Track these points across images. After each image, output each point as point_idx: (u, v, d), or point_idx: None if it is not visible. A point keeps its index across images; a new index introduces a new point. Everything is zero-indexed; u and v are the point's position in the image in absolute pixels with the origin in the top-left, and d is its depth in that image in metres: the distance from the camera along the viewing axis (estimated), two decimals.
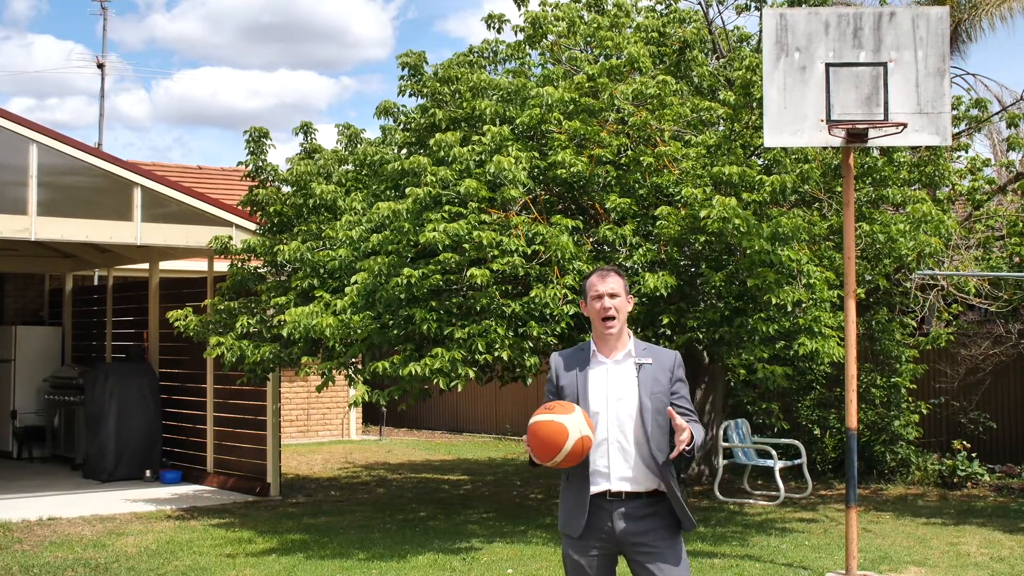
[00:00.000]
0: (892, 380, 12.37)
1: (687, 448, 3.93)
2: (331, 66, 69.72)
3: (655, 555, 4.06)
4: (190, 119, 66.09)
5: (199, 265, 14.35)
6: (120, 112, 64.86)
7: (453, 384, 8.43)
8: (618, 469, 4.07)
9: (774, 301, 8.25)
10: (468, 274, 8.32)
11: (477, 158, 8.96)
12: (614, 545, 4.10)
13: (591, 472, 4.08)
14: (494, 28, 10.81)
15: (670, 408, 4.02)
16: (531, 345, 8.63)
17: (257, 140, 10.76)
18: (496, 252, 8.44)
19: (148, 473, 12.88)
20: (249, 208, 11.03)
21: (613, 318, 4.10)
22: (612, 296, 4.12)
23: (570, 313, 8.57)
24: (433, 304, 8.54)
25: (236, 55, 70.14)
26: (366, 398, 8.91)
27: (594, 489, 4.07)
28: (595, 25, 10.70)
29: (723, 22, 12.36)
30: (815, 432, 12.95)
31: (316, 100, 69.16)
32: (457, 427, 19.96)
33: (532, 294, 8.41)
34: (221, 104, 64.42)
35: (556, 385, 4.17)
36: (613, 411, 4.08)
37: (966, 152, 11.92)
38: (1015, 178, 11.65)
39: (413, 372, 8.26)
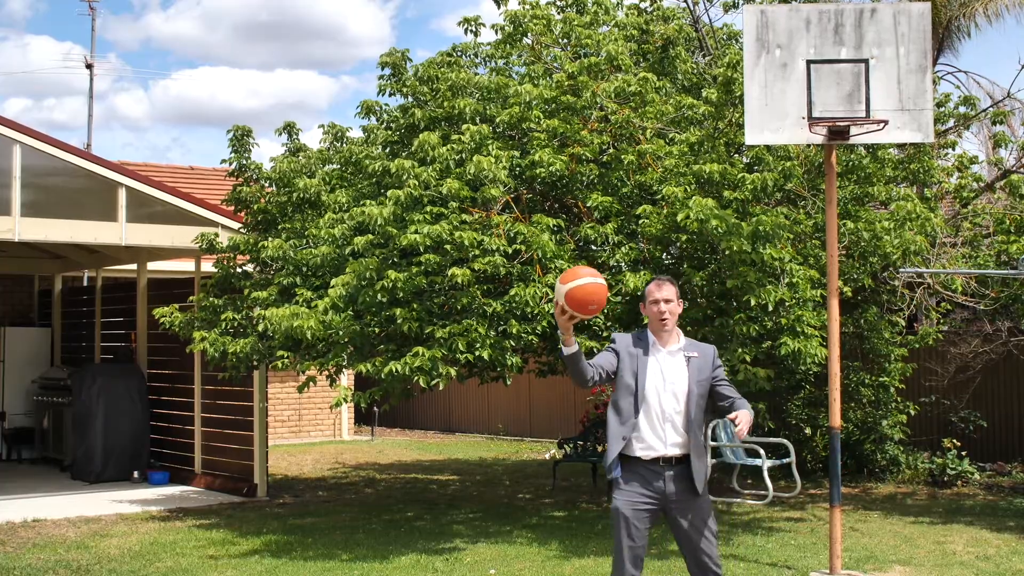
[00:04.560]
0: (880, 379, 12.31)
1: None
2: (330, 65, 69.75)
3: (683, 508, 5.14)
4: (189, 119, 66.05)
5: (187, 266, 14.31)
6: (119, 112, 64.90)
7: (434, 382, 8.39)
8: (671, 438, 5.11)
9: (754, 301, 8.19)
10: (450, 274, 8.29)
11: (456, 157, 8.91)
12: (661, 503, 5.11)
13: (646, 443, 5.10)
14: (471, 31, 10.77)
15: (734, 423, 5.03)
16: (512, 344, 8.59)
17: (240, 139, 10.72)
18: (477, 252, 8.40)
19: (136, 474, 12.85)
20: (234, 207, 10.99)
21: (667, 319, 5.17)
22: (667, 302, 5.18)
23: (551, 312, 8.52)
24: (415, 306, 8.51)
25: (234, 55, 70.14)
26: (348, 400, 8.90)
27: (650, 455, 5.09)
28: (573, 22, 10.63)
29: (710, 20, 12.31)
30: (806, 431, 12.89)
31: (316, 99, 69.15)
32: (449, 427, 19.93)
33: (512, 292, 8.37)
34: (220, 104, 64.37)
35: (618, 356, 5.13)
36: (669, 392, 5.11)
37: (953, 149, 11.88)
38: (1002, 175, 11.59)
39: (395, 371, 8.23)
